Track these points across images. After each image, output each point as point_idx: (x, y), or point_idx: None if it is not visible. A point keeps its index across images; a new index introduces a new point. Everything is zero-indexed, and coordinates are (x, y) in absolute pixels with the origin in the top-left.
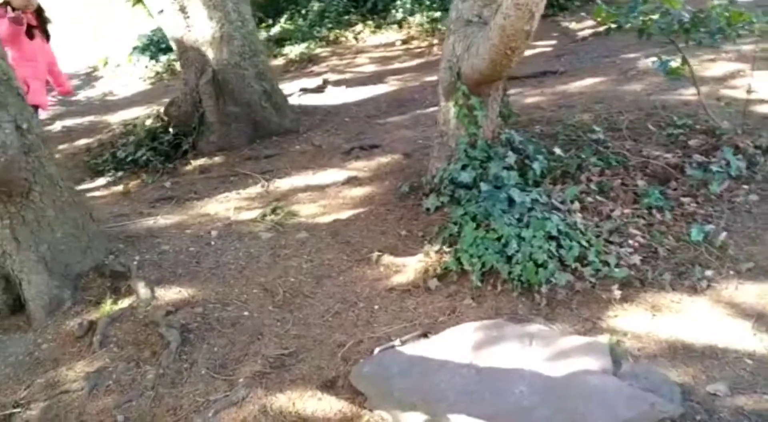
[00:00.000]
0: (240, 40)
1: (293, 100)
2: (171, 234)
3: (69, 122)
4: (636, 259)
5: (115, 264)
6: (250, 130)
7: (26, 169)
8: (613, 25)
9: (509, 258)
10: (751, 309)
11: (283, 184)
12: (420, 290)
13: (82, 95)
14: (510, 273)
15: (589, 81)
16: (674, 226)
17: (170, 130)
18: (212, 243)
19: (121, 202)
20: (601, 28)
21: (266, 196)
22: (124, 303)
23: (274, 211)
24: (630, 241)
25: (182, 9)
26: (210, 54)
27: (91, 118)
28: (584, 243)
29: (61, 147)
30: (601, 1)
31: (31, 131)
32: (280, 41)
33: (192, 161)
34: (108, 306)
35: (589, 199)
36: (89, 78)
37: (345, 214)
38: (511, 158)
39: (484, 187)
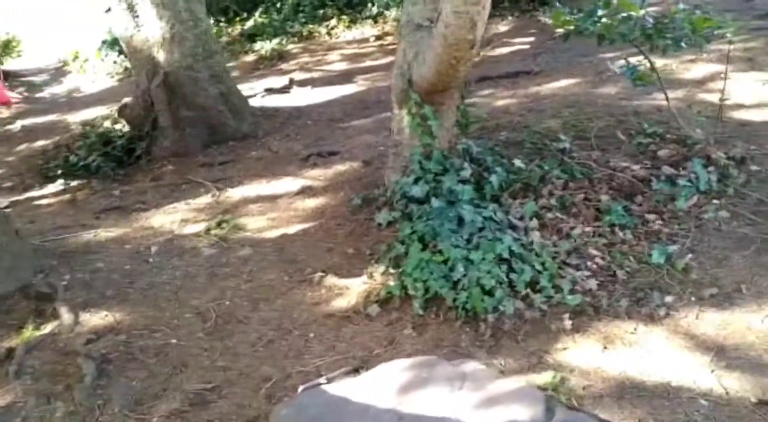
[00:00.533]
0: (192, 40)
1: (257, 102)
2: (109, 249)
3: (30, 121)
4: (592, 284)
5: (42, 285)
6: (205, 135)
7: None
8: (571, 28)
9: (455, 284)
10: (711, 342)
11: (234, 194)
12: (360, 316)
13: (47, 92)
14: (455, 300)
15: (563, 82)
16: (637, 246)
17: (124, 133)
18: (150, 260)
19: (66, 212)
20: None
21: (215, 206)
22: (47, 328)
23: (219, 224)
24: (588, 263)
25: (130, 7)
26: (161, 56)
27: (53, 117)
28: (538, 266)
29: (18, 148)
30: (560, 4)
31: None
32: (252, 36)
33: (144, 167)
34: (29, 332)
35: (549, 215)
36: (58, 73)
37: (293, 228)
38: (467, 171)
39: (435, 202)
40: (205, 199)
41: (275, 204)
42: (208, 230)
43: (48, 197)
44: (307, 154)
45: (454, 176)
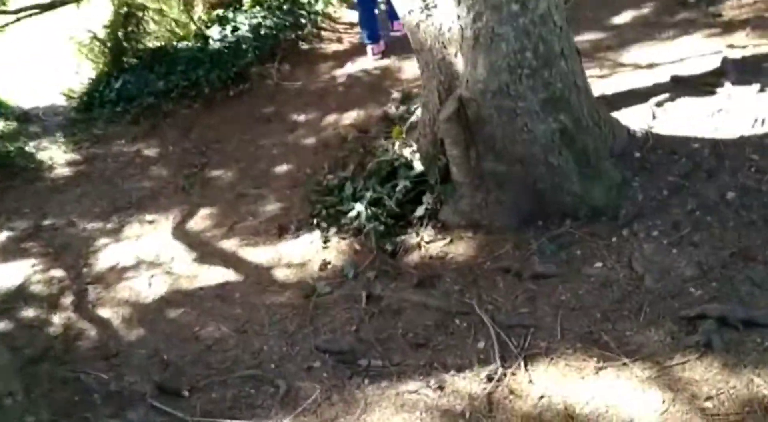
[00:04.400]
0: (513, 41)
1: (643, 116)
2: None
3: (372, 65)
4: None
5: None
6: (525, 203)
7: None
8: None
9: None
10: None
11: (523, 387)
12: None
13: None
14: None
15: None
16: None
17: (413, 167)
18: None
19: (289, 324)
20: None
21: (482, 416)
22: None
23: None
24: None
25: None
26: (457, 65)
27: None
28: None
29: (325, 122)
30: None
31: None
32: None
33: (423, 243)
34: None
35: None
36: None
37: None
38: None
39: None
40: (472, 387)
41: None
42: None
43: (286, 266)
44: (693, 313)
45: None
